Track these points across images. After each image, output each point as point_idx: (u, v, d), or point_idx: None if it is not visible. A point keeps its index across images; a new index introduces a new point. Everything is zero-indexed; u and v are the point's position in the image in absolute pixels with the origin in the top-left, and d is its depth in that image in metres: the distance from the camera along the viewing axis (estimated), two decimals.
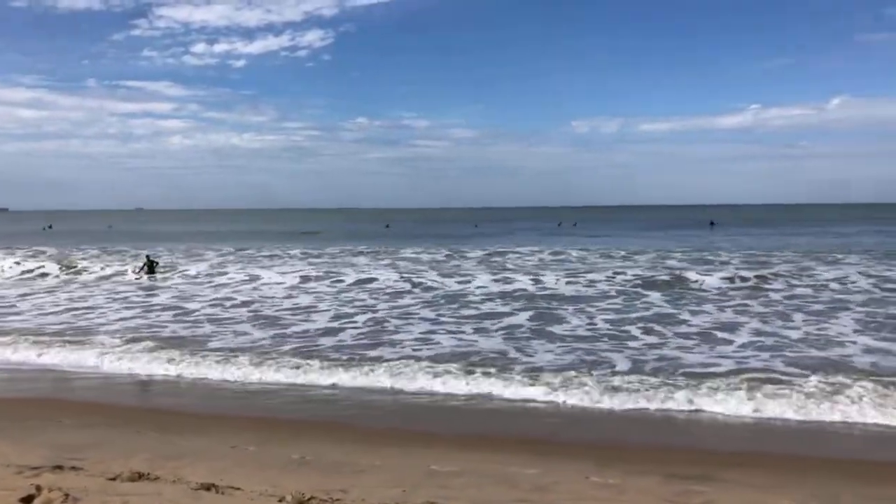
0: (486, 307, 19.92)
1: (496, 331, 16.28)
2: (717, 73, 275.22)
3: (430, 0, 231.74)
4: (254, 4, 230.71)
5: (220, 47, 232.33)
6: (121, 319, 18.43)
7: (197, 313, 19.36)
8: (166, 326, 17.29)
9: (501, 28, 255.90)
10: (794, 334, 15.10)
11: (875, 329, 15.50)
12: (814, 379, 11.13)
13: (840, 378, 11.13)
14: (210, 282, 27.06)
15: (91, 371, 13.22)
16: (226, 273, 29.12)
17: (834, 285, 22.77)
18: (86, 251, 42.13)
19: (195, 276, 28.60)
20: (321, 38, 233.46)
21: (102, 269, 31.25)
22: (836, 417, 9.68)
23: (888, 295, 20.78)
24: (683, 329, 16.05)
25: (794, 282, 23.58)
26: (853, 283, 23.19)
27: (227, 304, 21.08)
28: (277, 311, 19.66)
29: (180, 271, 30.06)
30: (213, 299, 22.00)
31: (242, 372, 12.76)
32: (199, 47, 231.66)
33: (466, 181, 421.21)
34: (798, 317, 17.32)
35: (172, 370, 13.04)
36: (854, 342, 14.16)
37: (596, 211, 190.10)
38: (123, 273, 29.87)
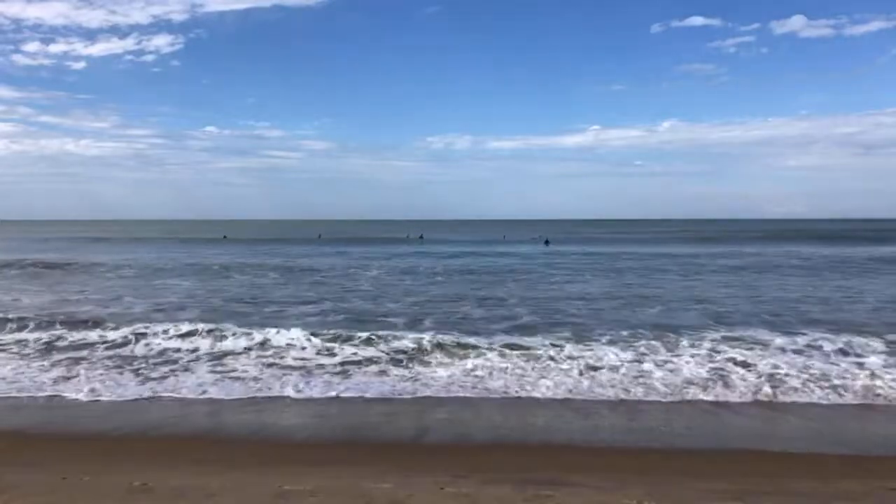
0: None
1: None
2: (560, 96, 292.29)
3: (283, 10, 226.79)
4: (95, 4, 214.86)
5: (56, 47, 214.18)
6: None
7: None
8: None
9: (355, 44, 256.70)
10: None
11: None
12: None
13: None
14: None
15: None
16: None
17: None
18: None
19: None
20: (170, 44, 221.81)
21: None
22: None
23: None
24: None
25: None
26: None
27: None
28: None
29: None
30: None
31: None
32: (33, 46, 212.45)
33: (320, 193, 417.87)
34: None
35: None
36: None
37: (449, 224, 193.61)
38: None
